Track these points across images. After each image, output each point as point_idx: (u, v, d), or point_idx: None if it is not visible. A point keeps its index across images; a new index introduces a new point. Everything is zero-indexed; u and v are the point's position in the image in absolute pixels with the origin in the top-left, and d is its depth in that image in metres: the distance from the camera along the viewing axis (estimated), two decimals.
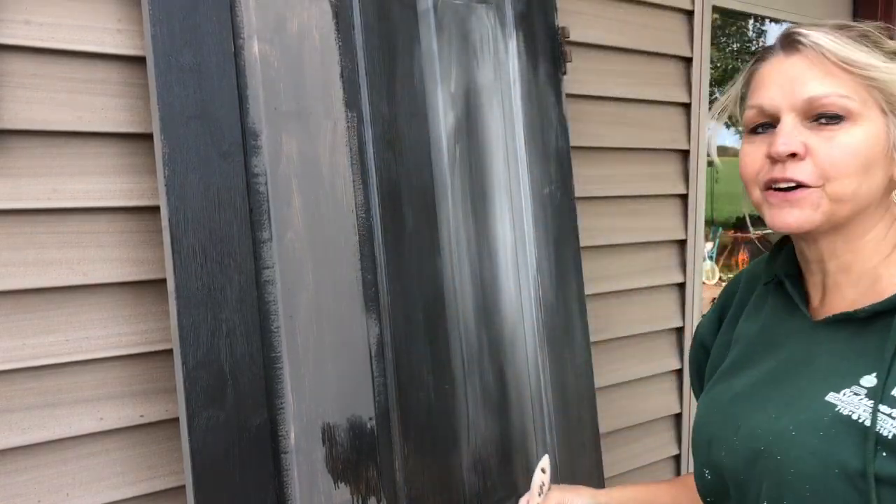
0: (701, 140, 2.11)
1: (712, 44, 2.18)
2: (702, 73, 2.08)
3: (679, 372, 2.14)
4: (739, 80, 0.85)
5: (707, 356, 0.98)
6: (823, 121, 0.74)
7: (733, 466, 0.80)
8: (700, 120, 2.10)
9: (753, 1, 2.30)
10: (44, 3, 1.12)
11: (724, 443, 0.82)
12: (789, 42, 0.77)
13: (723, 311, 0.97)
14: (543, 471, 1.00)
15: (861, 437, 0.69)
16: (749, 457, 0.78)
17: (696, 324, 2.17)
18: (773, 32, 3.01)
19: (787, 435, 0.74)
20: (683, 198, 2.11)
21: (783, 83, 0.76)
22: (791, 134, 0.75)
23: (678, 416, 2.16)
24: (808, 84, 0.74)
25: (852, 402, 0.71)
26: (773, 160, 0.76)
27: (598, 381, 1.78)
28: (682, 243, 2.12)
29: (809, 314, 0.82)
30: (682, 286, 2.12)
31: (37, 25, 1.11)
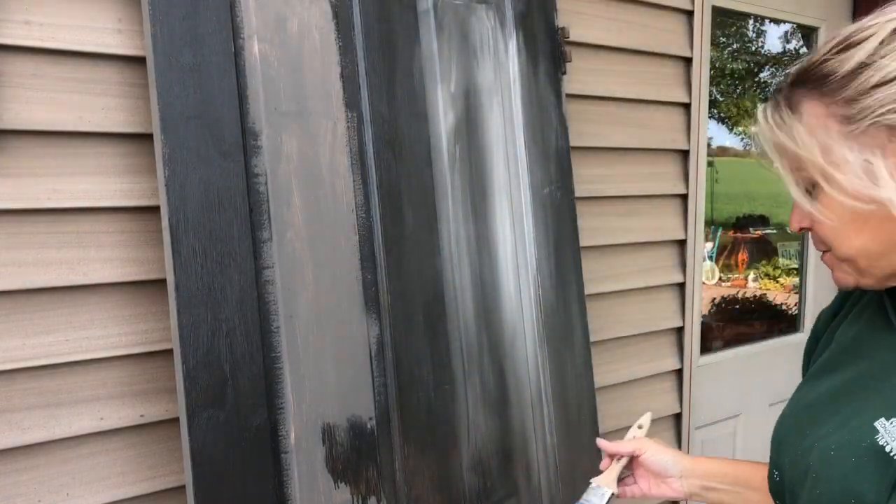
0: (701, 140, 2.11)
1: (711, 43, 2.18)
2: (702, 73, 2.08)
3: (679, 372, 2.14)
4: None
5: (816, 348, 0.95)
6: (810, 189, 0.72)
7: (791, 476, 0.78)
8: (700, 120, 2.10)
9: (753, 1, 2.30)
10: (44, 3, 1.12)
11: (789, 449, 0.80)
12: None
13: (841, 306, 0.92)
14: (640, 427, 1.03)
15: (884, 471, 0.66)
16: (803, 470, 0.76)
17: (696, 324, 2.17)
18: (773, 33, 3.01)
19: (827, 454, 0.72)
20: (683, 198, 2.11)
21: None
22: (796, 209, 0.75)
23: (678, 416, 2.16)
24: (776, 165, 0.73)
25: (893, 433, 0.67)
26: None
27: (598, 381, 1.78)
28: (681, 243, 2.12)
29: None
30: (681, 286, 2.12)
31: (37, 25, 1.11)
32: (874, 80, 0.64)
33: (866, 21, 0.66)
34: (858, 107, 0.65)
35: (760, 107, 0.74)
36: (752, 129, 0.75)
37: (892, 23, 0.65)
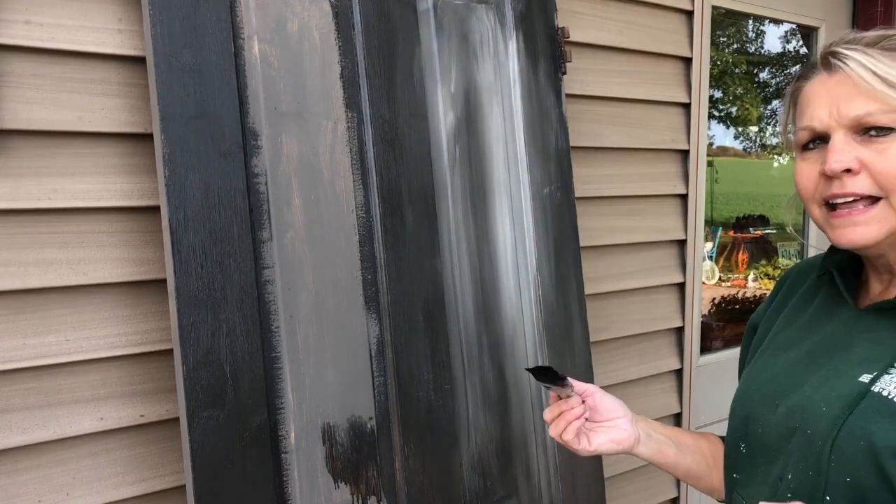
0: (701, 140, 2.12)
1: (711, 43, 2.18)
2: (702, 73, 2.08)
3: (679, 372, 2.14)
4: (786, 101, 0.87)
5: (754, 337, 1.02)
6: (874, 133, 0.75)
7: (768, 443, 0.83)
8: (700, 120, 2.10)
9: (753, 1, 2.30)
10: (44, 3, 1.12)
11: (761, 419, 0.85)
12: (830, 61, 0.79)
13: (773, 297, 1.01)
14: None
15: (892, 413, 0.70)
16: (784, 434, 0.81)
17: (696, 324, 2.17)
18: (772, 33, 3.01)
19: (818, 411, 0.77)
20: (683, 198, 2.11)
21: (829, 103, 0.78)
22: (843, 150, 0.76)
23: (678, 416, 2.16)
24: (854, 102, 0.76)
25: (885, 381, 0.73)
26: (829, 177, 0.77)
27: (598, 381, 1.78)
28: (681, 243, 2.12)
29: (855, 305, 0.84)
30: (681, 286, 2.12)
31: (37, 25, 1.11)
32: None
33: None
34: None
35: (844, 51, 0.77)
36: (846, 61, 0.77)
37: None
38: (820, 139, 0.79)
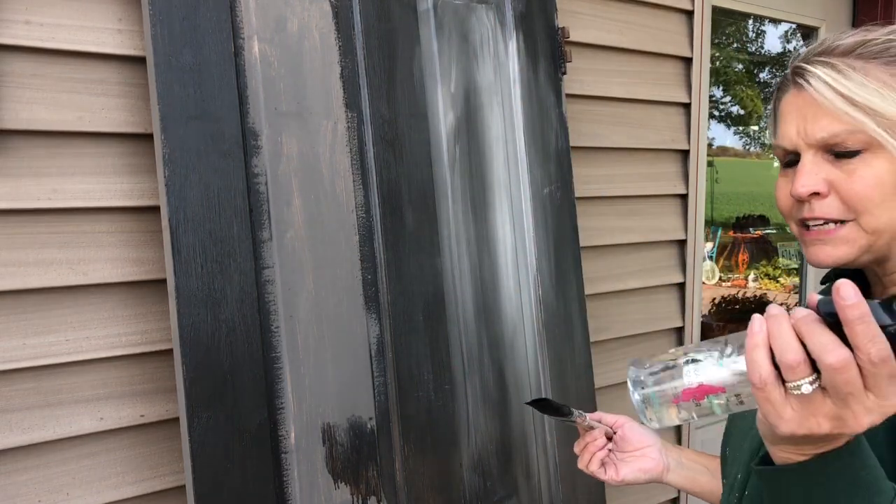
0: (701, 140, 2.11)
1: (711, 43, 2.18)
2: (702, 73, 2.08)
3: None
4: (770, 113, 0.84)
5: None
6: (842, 154, 0.72)
7: (736, 448, 0.83)
8: (700, 120, 2.10)
9: (753, 1, 2.30)
10: (44, 3, 1.12)
11: (738, 422, 0.86)
12: (798, 76, 0.75)
13: None
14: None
15: None
16: (750, 442, 0.80)
17: (696, 324, 2.17)
18: (772, 33, 3.01)
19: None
20: (683, 198, 2.11)
21: (798, 121, 0.75)
22: (810, 173, 0.73)
23: None
24: (819, 122, 0.72)
25: None
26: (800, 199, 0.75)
27: (598, 381, 1.78)
28: (681, 243, 2.12)
29: None
30: (681, 286, 2.12)
31: (37, 25, 1.11)
32: None
33: None
34: None
35: (809, 67, 0.73)
36: (809, 79, 0.73)
37: None
38: (794, 157, 0.76)
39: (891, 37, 0.71)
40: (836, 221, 0.73)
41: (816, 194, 0.73)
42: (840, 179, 0.72)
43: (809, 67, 0.73)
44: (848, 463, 0.57)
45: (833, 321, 0.53)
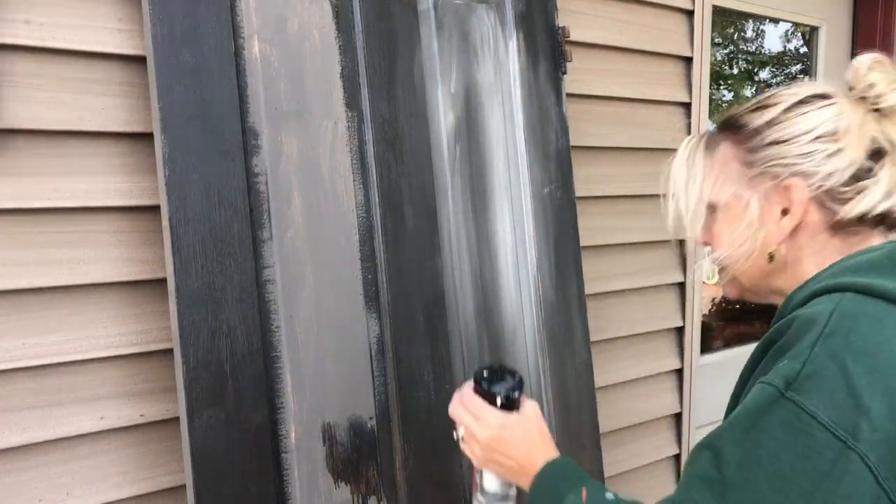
0: None
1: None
2: (702, 72, 2.08)
3: (679, 371, 2.14)
4: None
5: None
6: None
7: None
8: (700, 120, 2.10)
9: (754, 1, 2.30)
10: (44, 2, 1.12)
11: None
12: None
13: None
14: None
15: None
16: None
17: (696, 323, 2.17)
18: (771, 33, 3.01)
19: None
20: None
21: None
22: (702, 230, 0.89)
23: (678, 416, 2.16)
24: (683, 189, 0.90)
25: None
26: None
27: (598, 381, 1.78)
28: (682, 243, 2.11)
29: None
30: (682, 286, 2.12)
31: (37, 25, 1.11)
32: (770, 138, 0.80)
33: (782, 89, 0.83)
34: (756, 157, 0.81)
35: (687, 139, 0.89)
36: (674, 160, 0.89)
37: (796, 96, 0.81)
38: None
39: (747, 110, 0.85)
40: None
41: (706, 243, 0.90)
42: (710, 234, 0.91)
43: (685, 143, 0.91)
44: (536, 483, 0.85)
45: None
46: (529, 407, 0.91)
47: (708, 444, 0.70)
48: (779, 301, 0.84)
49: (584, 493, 0.78)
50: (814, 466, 0.63)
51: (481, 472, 0.93)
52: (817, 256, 0.80)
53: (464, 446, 0.92)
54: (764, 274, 0.84)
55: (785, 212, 0.80)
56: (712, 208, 0.85)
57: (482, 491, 0.93)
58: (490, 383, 0.89)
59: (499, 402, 0.89)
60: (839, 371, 0.65)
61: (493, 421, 0.88)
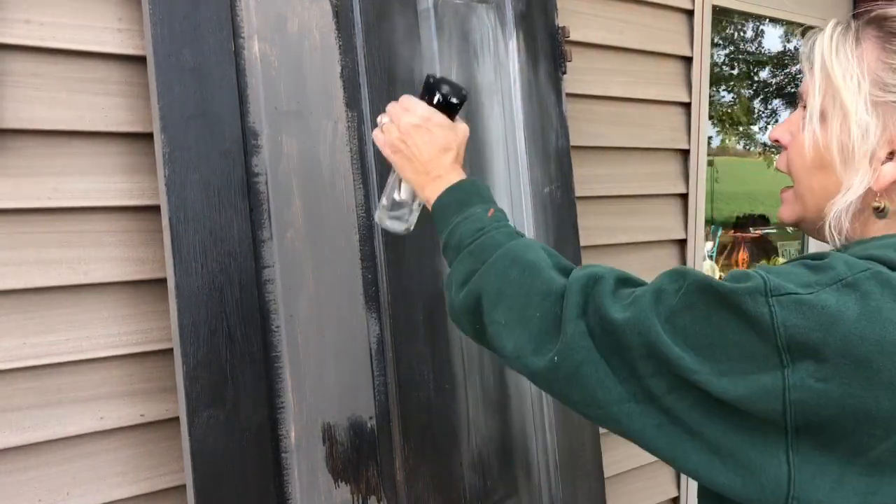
0: (701, 139, 2.11)
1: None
2: (702, 72, 2.08)
3: None
4: None
5: None
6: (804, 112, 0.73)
7: None
8: (700, 119, 2.10)
9: (754, 1, 2.30)
10: (44, 2, 1.12)
11: None
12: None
13: None
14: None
15: None
16: None
17: None
18: (771, 33, 3.01)
19: None
20: (683, 197, 2.11)
21: None
22: (784, 124, 0.76)
23: None
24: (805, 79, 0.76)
25: None
26: None
27: None
28: (682, 243, 2.12)
29: None
30: None
31: (37, 25, 1.11)
32: None
33: None
34: (895, 81, 0.67)
35: (833, 22, 0.76)
36: (812, 37, 0.76)
37: None
38: None
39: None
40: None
41: (777, 141, 0.76)
42: (795, 135, 0.74)
43: (830, 26, 0.77)
44: (450, 191, 0.87)
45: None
46: (462, 126, 0.91)
47: (682, 273, 0.67)
48: (826, 243, 0.74)
49: (491, 211, 0.83)
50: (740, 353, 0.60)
51: (389, 182, 0.98)
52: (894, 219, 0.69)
53: (377, 133, 0.93)
54: (853, 215, 0.70)
55: (892, 155, 0.68)
56: (823, 116, 0.71)
57: (383, 201, 0.99)
58: (434, 80, 0.90)
59: (435, 100, 0.90)
60: (835, 312, 0.57)
61: (420, 111, 0.89)
